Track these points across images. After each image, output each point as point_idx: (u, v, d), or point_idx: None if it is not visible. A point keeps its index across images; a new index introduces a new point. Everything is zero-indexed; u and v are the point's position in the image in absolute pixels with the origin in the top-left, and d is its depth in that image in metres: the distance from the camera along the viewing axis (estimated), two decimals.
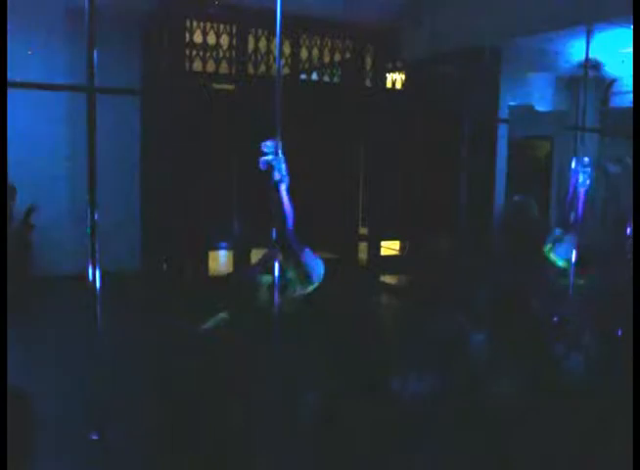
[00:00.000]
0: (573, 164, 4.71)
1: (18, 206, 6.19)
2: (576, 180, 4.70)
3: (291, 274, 3.60)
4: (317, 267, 3.66)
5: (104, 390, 3.35)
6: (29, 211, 6.37)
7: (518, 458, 3.40)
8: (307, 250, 3.63)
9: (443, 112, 7.89)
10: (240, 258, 7.21)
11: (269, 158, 3.46)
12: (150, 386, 4.10)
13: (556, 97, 9.48)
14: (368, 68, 7.79)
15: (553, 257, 4.76)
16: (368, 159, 7.84)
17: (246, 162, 7.00)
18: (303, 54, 7.35)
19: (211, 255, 7.31)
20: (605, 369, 4.50)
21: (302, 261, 3.60)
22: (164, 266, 6.95)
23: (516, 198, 8.47)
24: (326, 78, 7.68)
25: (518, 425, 3.75)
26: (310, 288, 3.61)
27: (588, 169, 4.69)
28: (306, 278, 3.60)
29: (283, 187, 3.45)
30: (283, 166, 3.51)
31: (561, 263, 4.74)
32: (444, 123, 7.91)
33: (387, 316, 6.73)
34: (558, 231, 4.86)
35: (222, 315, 4.01)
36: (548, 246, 4.81)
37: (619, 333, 4.71)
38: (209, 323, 3.91)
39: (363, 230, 8.10)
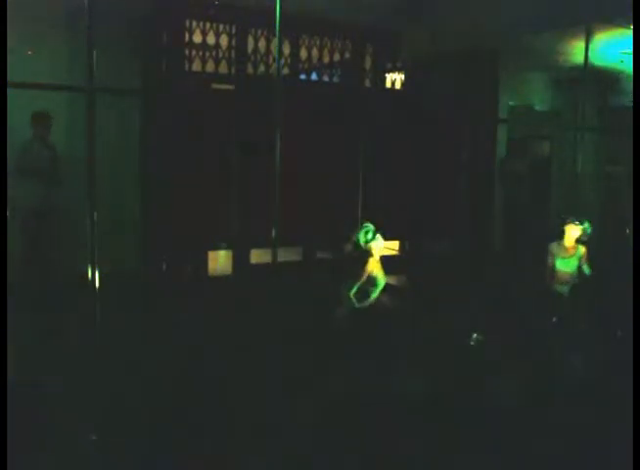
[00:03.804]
0: None
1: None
2: None
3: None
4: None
5: (104, 389, 3.37)
6: (47, 121, 6.15)
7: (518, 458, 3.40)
8: None
9: (443, 111, 7.89)
10: (240, 258, 7.21)
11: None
12: (152, 385, 4.10)
13: (555, 97, 9.50)
14: (368, 68, 7.80)
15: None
16: (368, 158, 7.84)
17: (246, 161, 7.00)
18: (303, 54, 7.35)
19: (211, 255, 7.31)
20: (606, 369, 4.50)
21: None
22: (164, 266, 6.95)
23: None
24: (326, 78, 7.69)
25: (519, 425, 3.75)
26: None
27: None
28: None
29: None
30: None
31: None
32: (444, 123, 7.91)
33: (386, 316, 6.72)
34: None
35: None
36: None
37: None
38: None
39: None
